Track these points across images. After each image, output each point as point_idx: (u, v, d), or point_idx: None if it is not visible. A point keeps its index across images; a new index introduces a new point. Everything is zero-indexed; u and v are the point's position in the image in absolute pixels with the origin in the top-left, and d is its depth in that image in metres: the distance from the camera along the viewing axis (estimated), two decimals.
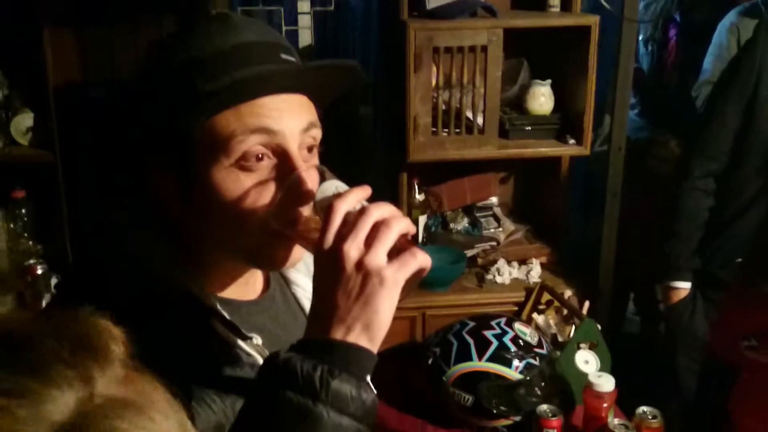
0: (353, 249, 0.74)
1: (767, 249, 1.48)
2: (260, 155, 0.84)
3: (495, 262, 2.63)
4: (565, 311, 2.38)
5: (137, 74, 0.94)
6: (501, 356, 2.01)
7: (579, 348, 2.15)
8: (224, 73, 0.84)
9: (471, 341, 2.05)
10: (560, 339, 2.29)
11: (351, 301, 0.73)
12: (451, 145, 2.45)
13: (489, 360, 2.01)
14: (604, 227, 2.54)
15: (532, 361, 2.01)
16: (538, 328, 2.26)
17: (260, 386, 0.75)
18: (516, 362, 2.00)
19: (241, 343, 0.89)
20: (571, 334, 2.27)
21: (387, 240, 0.74)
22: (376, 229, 0.74)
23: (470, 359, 2.02)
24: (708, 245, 2.20)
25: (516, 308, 2.50)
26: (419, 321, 2.50)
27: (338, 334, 0.73)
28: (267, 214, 0.85)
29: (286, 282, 1.08)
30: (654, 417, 1.78)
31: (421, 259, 0.75)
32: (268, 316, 1.00)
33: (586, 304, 2.42)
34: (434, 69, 2.38)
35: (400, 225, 0.75)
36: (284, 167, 0.85)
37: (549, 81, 2.53)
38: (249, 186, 0.85)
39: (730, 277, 2.10)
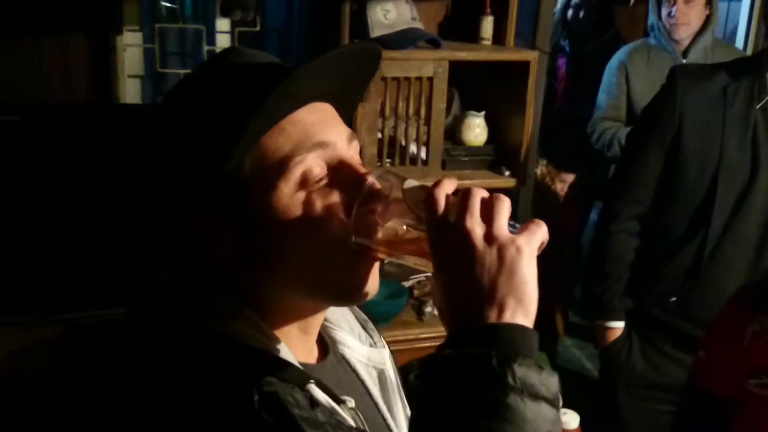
0: (476, 225, 0.69)
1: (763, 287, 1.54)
2: (319, 172, 0.77)
3: (431, 293, 2.59)
4: None
5: (163, 128, 0.82)
6: None
7: None
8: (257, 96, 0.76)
9: None
10: None
11: (494, 277, 0.67)
12: None
13: None
14: None
15: None
16: None
17: (433, 390, 0.67)
18: None
19: (337, 407, 0.81)
20: None
21: (504, 212, 0.70)
22: (488, 204, 0.70)
23: None
24: (639, 285, 2.24)
25: None
26: None
27: (492, 316, 0.67)
28: (345, 232, 0.77)
29: (333, 342, 0.99)
30: None
31: (544, 228, 0.71)
32: (335, 380, 0.91)
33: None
34: (379, 99, 2.31)
35: (507, 200, 0.71)
36: (345, 178, 0.78)
37: (483, 112, 2.54)
38: (318, 207, 0.77)
39: (665, 314, 2.17)
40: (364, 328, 1.00)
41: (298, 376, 0.77)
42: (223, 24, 2.60)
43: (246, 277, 0.80)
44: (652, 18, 2.90)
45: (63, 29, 2.34)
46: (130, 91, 2.50)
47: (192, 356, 0.75)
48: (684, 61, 2.84)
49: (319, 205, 0.77)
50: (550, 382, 0.65)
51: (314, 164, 0.77)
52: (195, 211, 0.78)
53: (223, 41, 2.62)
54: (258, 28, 2.53)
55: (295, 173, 0.76)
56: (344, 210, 0.77)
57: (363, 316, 1.03)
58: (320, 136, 0.78)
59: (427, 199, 0.72)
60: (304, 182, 0.76)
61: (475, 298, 0.67)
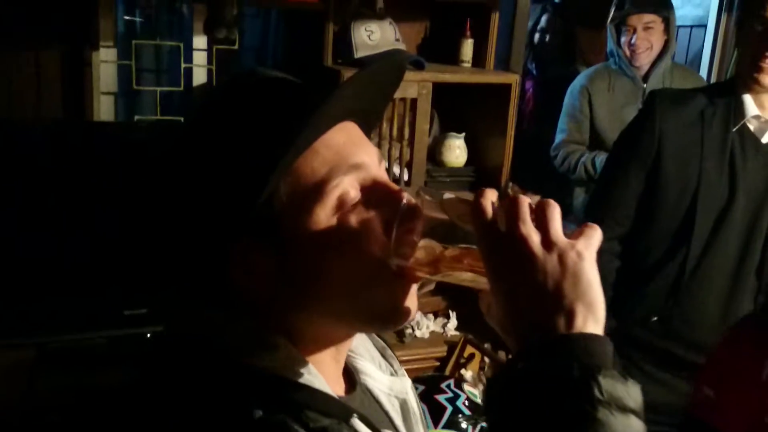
0: (531, 232, 0.66)
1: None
2: (355, 195, 0.75)
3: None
4: (487, 364, 2.39)
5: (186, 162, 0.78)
6: (456, 422, 1.96)
7: None
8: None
9: (425, 407, 1.98)
10: None
11: (558, 283, 0.64)
12: None
13: (445, 427, 1.96)
14: None
15: (485, 425, 1.98)
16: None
17: (511, 409, 0.64)
18: (470, 429, 1.96)
19: None
20: None
21: (558, 217, 0.67)
22: (539, 210, 0.67)
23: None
24: (620, 306, 2.25)
25: (438, 363, 2.47)
26: None
27: (562, 326, 0.63)
28: (385, 252, 0.74)
29: (356, 371, 0.96)
30: None
31: (599, 232, 0.68)
32: (366, 413, 0.87)
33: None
34: None
35: (557, 205, 0.69)
36: (380, 198, 0.76)
37: (463, 134, 2.55)
38: (356, 230, 0.74)
39: (646, 334, 2.19)
40: (384, 355, 0.97)
41: (342, 410, 0.75)
42: (200, 41, 2.55)
43: (281, 306, 0.77)
44: (610, 45, 2.96)
45: (35, 44, 2.26)
46: (104, 109, 2.43)
47: (232, 394, 0.71)
48: (644, 85, 2.90)
49: (357, 227, 0.74)
50: (635, 392, 0.63)
51: (350, 187, 0.74)
52: (228, 240, 0.74)
53: (200, 59, 2.56)
54: (236, 47, 2.50)
55: (332, 197, 0.73)
56: (383, 230, 0.74)
57: (381, 342, 0.99)
58: (354, 158, 0.76)
59: (475, 210, 0.69)
60: (340, 205, 0.74)
61: (541, 308, 0.64)
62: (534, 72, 3.86)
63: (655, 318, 2.17)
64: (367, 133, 0.83)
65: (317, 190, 0.73)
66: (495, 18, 2.52)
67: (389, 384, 0.94)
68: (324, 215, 0.73)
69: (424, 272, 0.75)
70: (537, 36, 3.78)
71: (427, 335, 2.53)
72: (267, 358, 0.74)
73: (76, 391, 2.04)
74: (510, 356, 0.67)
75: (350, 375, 0.91)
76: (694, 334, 2.10)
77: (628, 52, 2.86)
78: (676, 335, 2.10)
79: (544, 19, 3.75)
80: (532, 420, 0.61)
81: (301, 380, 0.74)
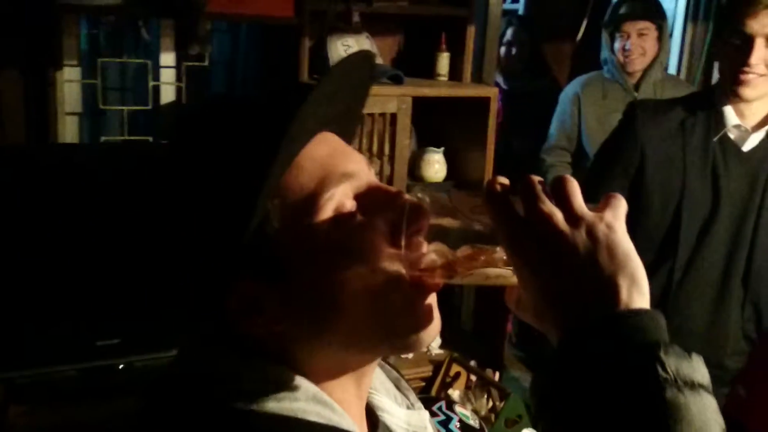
0: (554, 209, 0.60)
1: None
2: (352, 205, 0.68)
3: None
4: (474, 382, 2.34)
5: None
6: None
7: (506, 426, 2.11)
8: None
9: None
10: (481, 413, 2.24)
11: (593, 258, 0.58)
12: None
13: None
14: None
15: None
16: (473, 410, 2.18)
17: (569, 402, 0.56)
18: None
19: None
20: (491, 408, 2.23)
21: (578, 191, 0.61)
22: (556, 188, 0.61)
23: None
24: None
25: (423, 384, 2.41)
26: None
27: (607, 302, 0.57)
28: (397, 262, 0.67)
29: (374, 408, 0.88)
30: None
31: (624, 202, 0.62)
32: None
33: (497, 374, 2.41)
34: None
35: (574, 180, 0.62)
36: (379, 203, 0.69)
37: (442, 149, 2.51)
38: (361, 242, 0.67)
39: None
40: (398, 387, 0.89)
41: None
42: (167, 58, 2.46)
43: (292, 340, 0.69)
44: (605, 52, 2.97)
45: None
46: (68, 131, 2.32)
47: None
48: (636, 94, 2.92)
49: (361, 238, 0.67)
50: (701, 366, 0.56)
51: (345, 198, 0.68)
52: (222, 278, 0.66)
53: (168, 76, 2.47)
54: (207, 63, 2.42)
55: (328, 210, 0.66)
56: (390, 237, 0.67)
57: (395, 374, 0.91)
58: (343, 167, 0.69)
59: (489, 196, 0.62)
60: (339, 218, 0.67)
61: (579, 287, 0.58)
62: (502, 85, 3.86)
63: None
64: (348, 142, 0.76)
65: (310, 205, 0.66)
66: (471, 31, 2.49)
67: (406, 418, 0.87)
68: (322, 232, 0.66)
69: (442, 277, 0.68)
70: (503, 49, 3.78)
71: (410, 355, 2.48)
72: (286, 400, 0.66)
73: (48, 429, 1.93)
74: (555, 348, 0.59)
75: (370, 412, 0.83)
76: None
77: (621, 58, 2.89)
78: None
79: (509, 32, 3.75)
80: (594, 417, 0.54)
81: (328, 423, 0.67)
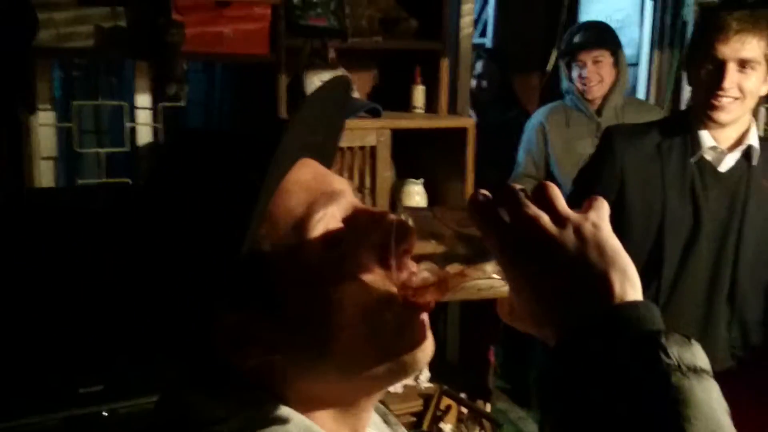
0: (539, 212, 0.60)
1: None
2: (341, 227, 0.68)
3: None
4: (466, 415, 2.32)
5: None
6: None
7: None
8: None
9: None
10: None
11: (583, 255, 0.58)
12: None
13: None
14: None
15: None
16: None
17: (579, 397, 0.56)
18: None
19: None
20: None
21: (560, 196, 0.62)
22: (538, 194, 0.62)
23: None
24: None
25: (414, 419, 2.38)
26: None
27: (599, 298, 0.57)
28: (388, 282, 0.66)
29: None
30: None
31: (607, 204, 0.63)
32: None
33: (488, 405, 2.39)
34: None
35: (554, 185, 0.63)
36: (366, 224, 0.68)
37: (422, 180, 2.52)
38: (353, 264, 0.66)
39: None
40: (386, 422, 0.87)
41: None
42: (143, 100, 2.44)
43: (283, 371, 0.67)
44: (564, 82, 3.02)
45: None
46: (44, 175, 2.29)
47: None
48: (599, 119, 2.97)
49: (353, 260, 0.66)
50: (700, 351, 0.56)
51: (333, 220, 0.67)
52: (212, 311, 0.65)
53: (144, 117, 2.46)
54: (183, 103, 2.41)
55: (318, 233, 0.66)
56: (379, 259, 0.67)
57: (382, 408, 0.88)
58: (329, 188, 0.69)
59: (474, 206, 0.62)
60: (329, 241, 0.66)
61: (572, 285, 0.58)
62: (474, 117, 3.90)
63: None
64: (327, 166, 0.75)
65: (300, 228, 0.65)
66: (445, 64, 2.52)
67: None
68: (314, 255, 0.65)
69: (433, 294, 0.67)
70: (474, 82, 3.83)
71: (400, 390, 2.45)
72: None
73: None
74: (555, 348, 0.59)
75: None
76: None
77: (580, 86, 2.94)
78: None
79: (479, 65, 3.81)
80: (605, 408, 0.54)
81: None
